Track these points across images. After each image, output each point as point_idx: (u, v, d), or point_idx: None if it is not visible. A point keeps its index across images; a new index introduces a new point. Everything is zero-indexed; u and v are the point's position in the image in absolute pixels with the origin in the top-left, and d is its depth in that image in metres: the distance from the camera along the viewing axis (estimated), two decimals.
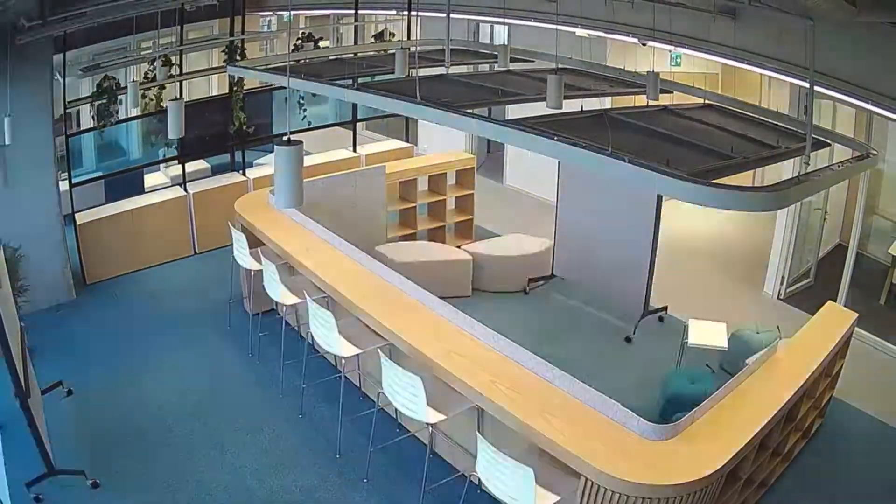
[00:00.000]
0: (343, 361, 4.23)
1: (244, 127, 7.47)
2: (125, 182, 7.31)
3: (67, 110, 6.34)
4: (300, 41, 7.99)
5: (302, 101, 7.88)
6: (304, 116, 8.03)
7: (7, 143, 4.87)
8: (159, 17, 5.94)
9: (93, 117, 6.64)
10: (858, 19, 3.84)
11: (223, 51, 7.38)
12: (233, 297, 5.87)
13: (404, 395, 3.61)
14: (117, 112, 6.58)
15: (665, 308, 5.94)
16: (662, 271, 7.10)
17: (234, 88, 7.36)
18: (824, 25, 3.85)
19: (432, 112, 3.65)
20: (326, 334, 4.18)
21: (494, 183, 9.57)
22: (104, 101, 6.45)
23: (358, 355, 4.20)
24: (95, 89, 6.44)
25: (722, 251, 7.68)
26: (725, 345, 4.57)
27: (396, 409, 3.80)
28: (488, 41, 9.04)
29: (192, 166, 7.55)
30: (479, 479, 3.24)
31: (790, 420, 3.87)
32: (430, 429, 3.64)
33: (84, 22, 5.35)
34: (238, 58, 7.19)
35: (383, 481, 4.10)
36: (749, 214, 8.17)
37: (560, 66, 4.41)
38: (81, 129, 7.07)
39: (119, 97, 6.54)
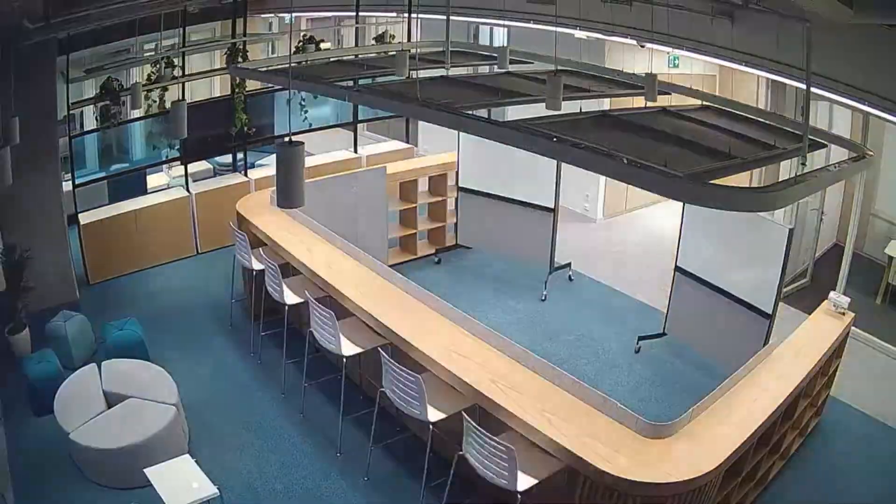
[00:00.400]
0: (344, 360, 4.26)
1: (245, 128, 7.50)
2: (128, 183, 7.36)
3: (71, 111, 6.37)
4: (301, 43, 8.02)
5: (303, 103, 7.92)
6: (305, 118, 8.06)
7: (12, 143, 4.90)
8: (162, 19, 5.97)
9: (96, 118, 6.67)
10: (855, 21, 3.87)
11: (225, 52, 7.41)
12: (235, 297, 5.91)
13: (405, 393, 3.65)
14: (120, 113, 6.60)
15: None
16: (662, 271, 7.14)
17: (236, 90, 7.39)
18: (821, 27, 3.88)
19: (432, 113, 3.68)
20: (328, 333, 4.21)
21: None
22: (107, 102, 6.47)
23: (359, 354, 4.23)
24: (99, 91, 6.46)
25: None
26: None
27: (397, 408, 3.83)
28: (488, 43, 9.07)
29: (194, 167, 7.59)
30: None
31: (788, 418, 3.91)
32: (431, 427, 3.67)
33: (88, 24, 5.38)
34: (240, 59, 7.23)
35: (384, 479, 4.13)
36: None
37: (559, 67, 4.43)
38: (85, 130, 7.11)
39: (122, 99, 6.56)
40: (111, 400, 4.24)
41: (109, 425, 4.02)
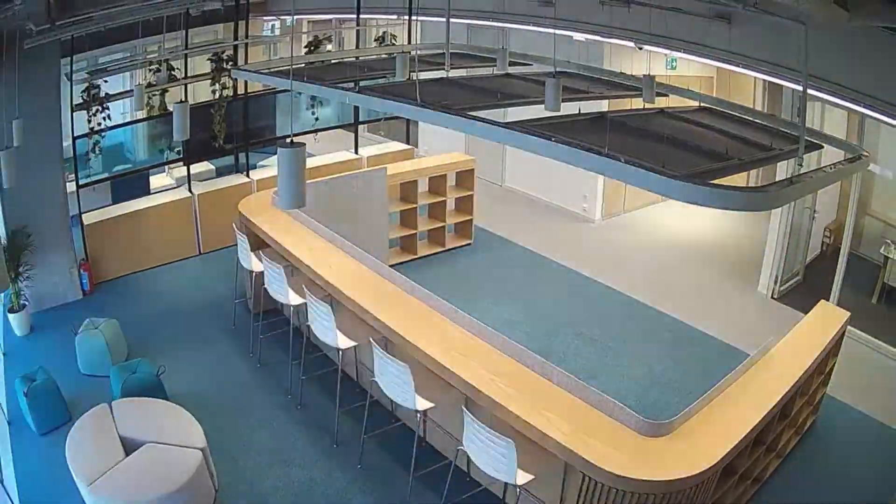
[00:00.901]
0: (341, 355, 4.31)
1: (221, 142, 7.43)
2: (131, 183, 7.41)
3: (74, 112, 6.41)
4: (311, 47, 8.10)
5: (312, 105, 8.04)
6: (317, 118, 8.18)
7: (16, 144, 4.96)
8: (164, 21, 6.02)
9: (88, 121, 6.66)
10: (851, 23, 3.90)
11: (209, 58, 7.38)
12: (237, 297, 5.95)
13: (395, 383, 3.70)
14: (108, 118, 6.59)
15: None
16: (659, 271, 7.20)
17: (218, 96, 7.29)
18: (817, 29, 3.92)
19: (432, 114, 3.72)
20: (324, 328, 4.26)
21: (493, 184, 9.67)
22: (87, 110, 6.44)
23: (355, 349, 4.27)
24: (81, 99, 6.40)
25: (717, 251, 7.75)
26: None
27: (392, 401, 3.88)
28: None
29: (196, 168, 7.63)
30: (468, 462, 3.31)
31: (784, 417, 3.94)
32: (419, 416, 3.72)
33: (91, 26, 5.43)
34: (227, 66, 7.23)
35: (377, 467, 4.20)
36: (743, 215, 8.26)
37: (558, 69, 4.47)
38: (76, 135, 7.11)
39: (107, 105, 6.52)
40: (128, 445, 3.80)
41: (130, 476, 3.60)
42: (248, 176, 7.72)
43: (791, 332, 4.22)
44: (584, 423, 3.31)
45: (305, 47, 8.33)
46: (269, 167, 8.27)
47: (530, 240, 7.79)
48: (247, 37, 7.59)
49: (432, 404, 3.69)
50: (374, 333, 4.30)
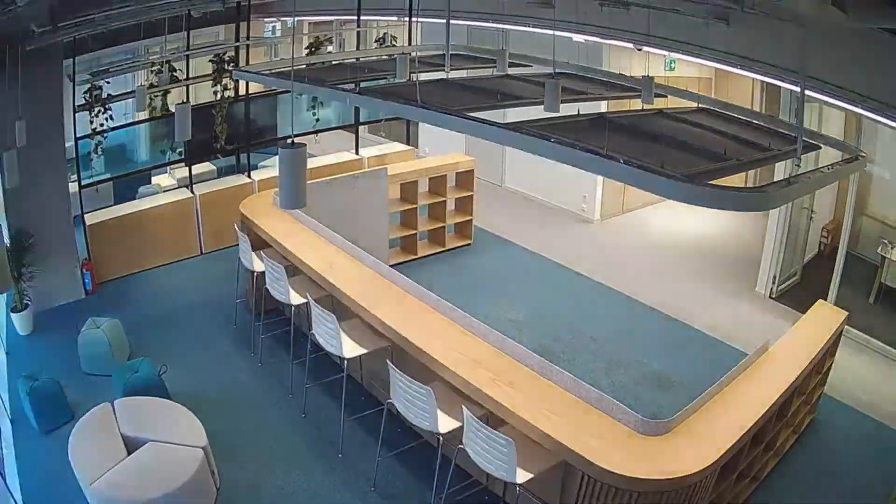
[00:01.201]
0: (346, 361, 4.32)
1: (222, 142, 7.46)
2: (133, 184, 7.42)
3: (76, 113, 6.44)
4: (311, 48, 8.15)
5: (314, 105, 8.08)
6: (318, 119, 8.23)
7: (18, 145, 4.99)
8: (166, 22, 6.05)
9: (90, 122, 6.70)
10: (849, 25, 3.93)
11: (211, 59, 7.43)
12: (238, 296, 5.97)
13: (415, 405, 3.64)
14: (110, 118, 6.62)
15: None
16: (658, 271, 7.22)
17: (220, 97, 7.33)
18: (815, 31, 3.94)
19: (433, 115, 3.74)
20: (329, 336, 4.27)
21: (493, 184, 9.70)
22: (89, 111, 6.46)
23: (360, 355, 4.27)
24: (83, 100, 6.43)
25: (715, 251, 7.78)
26: None
27: (396, 406, 3.88)
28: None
29: (198, 168, 7.66)
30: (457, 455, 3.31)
31: (782, 416, 3.96)
32: (441, 438, 3.64)
33: (93, 28, 5.46)
34: (228, 68, 7.28)
35: (387, 481, 4.16)
36: (741, 215, 8.29)
37: (557, 70, 4.50)
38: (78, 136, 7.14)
39: (109, 106, 6.55)
40: (130, 444, 3.81)
41: (132, 475, 3.61)
42: (249, 176, 7.74)
43: (789, 332, 4.24)
44: (583, 423, 3.33)
45: (306, 48, 8.37)
46: (269, 168, 8.30)
47: (530, 240, 7.82)
48: (248, 38, 7.62)
49: (457, 423, 3.58)
50: (376, 337, 4.32)
